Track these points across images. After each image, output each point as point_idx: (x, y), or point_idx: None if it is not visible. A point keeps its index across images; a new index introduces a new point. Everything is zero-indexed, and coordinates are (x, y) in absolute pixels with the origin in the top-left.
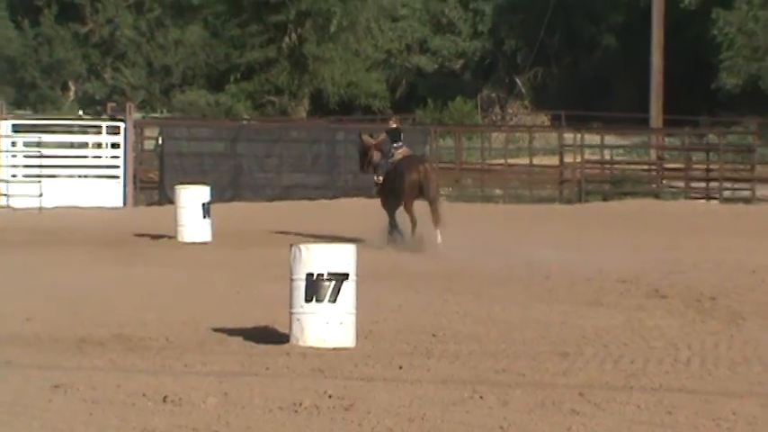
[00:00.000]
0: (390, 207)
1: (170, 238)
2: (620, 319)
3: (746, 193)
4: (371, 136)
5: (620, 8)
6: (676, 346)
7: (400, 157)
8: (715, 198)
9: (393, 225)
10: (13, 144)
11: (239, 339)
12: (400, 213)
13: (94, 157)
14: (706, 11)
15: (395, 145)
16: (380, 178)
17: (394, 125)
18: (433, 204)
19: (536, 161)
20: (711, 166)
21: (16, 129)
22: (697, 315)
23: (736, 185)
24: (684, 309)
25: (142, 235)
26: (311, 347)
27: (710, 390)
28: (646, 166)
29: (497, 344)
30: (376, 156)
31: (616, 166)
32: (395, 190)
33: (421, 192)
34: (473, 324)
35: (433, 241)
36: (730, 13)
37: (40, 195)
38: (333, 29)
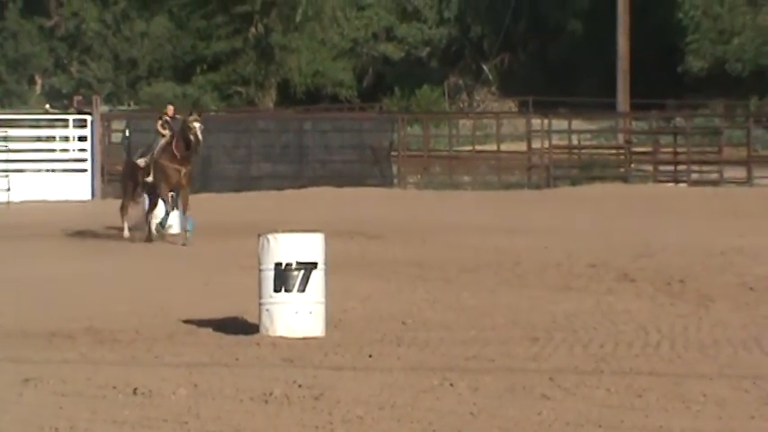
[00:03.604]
0: None
1: (138, 230)
2: (590, 304)
3: (714, 176)
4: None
5: None
6: (646, 329)
7: None
8: (683, 181)
9: None
10: None
11: (209, 330)
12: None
13: (62, 150)
14: None
15: None
16: None
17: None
18: None
19: (504, 147)
20: (679, 150)
21: None
22: (666, 298)
23: (704, 168)
24: (654, 292)
25: (111, 227)
26: (281, 337)
27: (680, 372)
28: (613, 151)
29: (467, 330)
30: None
31: (584, 150)
32: None
33: None
34: (443, 311)
35: None
36: None
37: (8, 190)
38: (298, 18)
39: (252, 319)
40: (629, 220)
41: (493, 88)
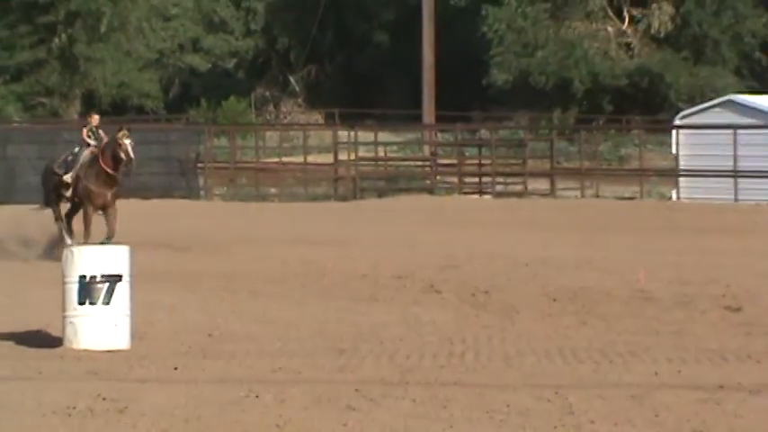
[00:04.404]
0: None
1: None
2: (396, 315)
3: (519, 188)
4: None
5: (391, 5)
6: (451, 340)
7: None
8: (488, 193)
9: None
10: None
11: (11, 344)
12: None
13: None
14: (476, 7)
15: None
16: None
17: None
18: None
19: (310, 159)
20: (484, 162)
21: None
22: (471, 309)
23: (509, 180)
24: (459, 303)
25: None
26: (85, 350)
27: (484, 382)
28: (419, 163)
29: (273, 342)
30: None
31: (390, 162)
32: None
33: None
34: (249, 323)
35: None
36: (500, 10)
37: None
38: (103, 29)
39: (56, 333)
40: (434, 232)
41: (299, 100)
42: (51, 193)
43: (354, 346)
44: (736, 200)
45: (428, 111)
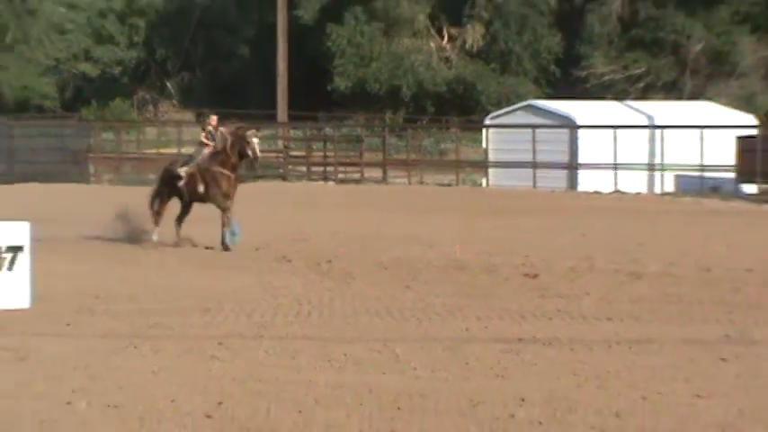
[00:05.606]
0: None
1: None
2: (254, 281)
3: (357, 176)
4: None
5: (252, 23)
6: (300, 301)
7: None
8: (331, 180)
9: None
10: None
11: None
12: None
13: None
14: (322, 26)
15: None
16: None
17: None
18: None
19: (184, 150)
20: (328, 154)
21: None
22: (317, 276)
23: (348, 169)
24: (306, 270)
25: None
26: None
27: (327, 337)
28: (274, 154)
29: (151, 303)
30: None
31: None
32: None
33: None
34: (131, 287)
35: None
36: (341, 28)
37: None
38: (8, 40)
39: None
40: (287, 212)
41: (174, 101)
42: (163, 191)
43: (219, 306)
44: (534, 186)
45: (282, 111)
